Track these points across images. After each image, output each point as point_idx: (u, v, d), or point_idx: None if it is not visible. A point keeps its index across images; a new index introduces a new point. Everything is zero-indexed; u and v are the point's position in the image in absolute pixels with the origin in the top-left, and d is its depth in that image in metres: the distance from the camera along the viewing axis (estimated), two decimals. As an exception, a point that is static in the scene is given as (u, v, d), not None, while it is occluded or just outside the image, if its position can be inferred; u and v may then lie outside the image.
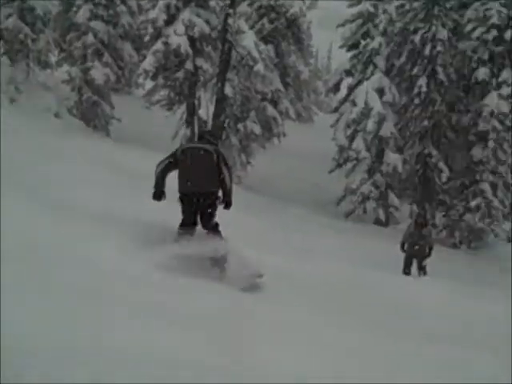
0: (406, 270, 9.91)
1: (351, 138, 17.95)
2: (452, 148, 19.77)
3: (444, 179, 18.78)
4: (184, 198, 5.15)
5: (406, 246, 10.08)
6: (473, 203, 18.64)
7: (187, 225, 5.18)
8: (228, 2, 16.21)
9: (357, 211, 17.50)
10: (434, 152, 19.13)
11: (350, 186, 17.44)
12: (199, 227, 5.22)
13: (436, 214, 18.46)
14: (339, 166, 18.37)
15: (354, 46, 19.39)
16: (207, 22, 16.19)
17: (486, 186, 18.76)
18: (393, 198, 18.01)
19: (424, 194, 18.78)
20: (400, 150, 18.80)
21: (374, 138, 17.94)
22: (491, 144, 18.82)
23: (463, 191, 19.21)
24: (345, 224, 15.94)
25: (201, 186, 5.12)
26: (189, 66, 16.19)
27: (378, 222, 17.60)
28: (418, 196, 18.84)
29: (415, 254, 10.05)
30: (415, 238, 9.99)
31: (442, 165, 18.92)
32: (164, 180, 5.30)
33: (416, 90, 18.59)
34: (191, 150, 5.36)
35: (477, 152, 19.04)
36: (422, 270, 10.06)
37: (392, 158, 17.66)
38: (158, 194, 5.27)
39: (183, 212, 5.21)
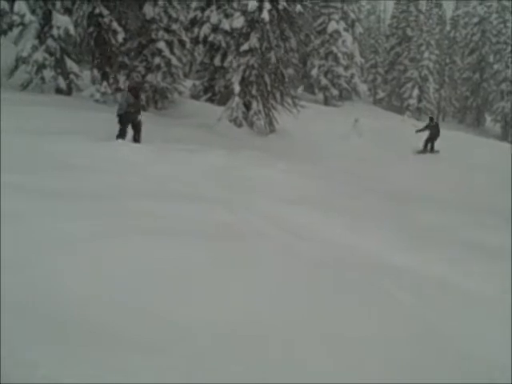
0: (123, 135, 11.38)
1: (11, 0, 17.61)
2: (123, 7, 21.29)
3: (120, 40, 20.14)
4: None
5: (124, 116, 11.30)
6: (153, 63, 21.32)
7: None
8: None
9: (34, 81, 17.80)
10: (106, 12, 20.43)
11: (20, 54, 17.32)
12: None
13: (119, 78, 20.34)
14: (3, 32, 17.91)
15: None
16: None
17: (162, 45, 21.45)
18: (71, 65, 18.93)
19: (102, 57, 20.25)
20: (69, 12, 19.29)
21: (37, 0, 18.09)
22: (161, 2, 21.37)
23: (142, 51, 21.54)
24: (23, 96, 16.28)
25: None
26: None
27: (59, 91, 18.33)
28: (96, 60, 20.30)
29: (137, 122, 11.60)
30: (133, 107, 11.42)
31: (115, 25, 20.31)
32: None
33: None
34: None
35: (148, 10, 21.29)
36: (137, 140, 11.67)
37: (62, 20, 18.12)
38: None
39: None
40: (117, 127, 11.48)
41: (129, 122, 11.58)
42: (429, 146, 19.56)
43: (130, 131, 11.74)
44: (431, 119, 20.48)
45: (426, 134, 19.85)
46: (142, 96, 21.06)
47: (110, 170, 7.59)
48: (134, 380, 2.33)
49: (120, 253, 3.65)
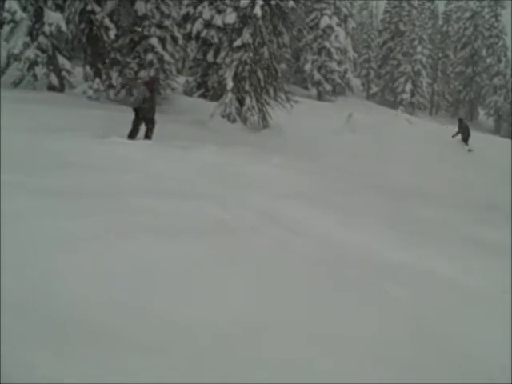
0: (134, 134, 11.39)
1: None
2: (115, 3, 21.21)
3: (112, 37, 20.17)
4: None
5: (139, 111, 11.27)
6: (145, 59, 21.25)
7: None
8: None
9: (26, 78, 17.80)
10: (98, 9, 20.37)
11: (12, 51, 17.27)
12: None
13: (112, 74, 20.28)
14: None
15: None
16: None
17: (154, 41, 21.40)
18: (63, 61, 18.90)
19: (94, 54, 20.22)
20: (61, 9, 19.28)
21: (28, -3, 18.07)
22: (153, -2, 21.29)
23: (134, 48, 21.47)
24: (16, 94, 16.20)
25: None
26: None
27: (52, 88, 18.32)
28: (89, 57, 20.24)
29: (150, 118, 11.51)
30: (148, 103, 11.33)
31: (107, 22, 20.32)
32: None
33: None
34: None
35: (140, 6, 21.21)
36: (149, 136, 11.63)
37: (53, 17, 18.13)
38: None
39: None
40: (128, 125, 11.37)
41: (142, 119, 11.46)
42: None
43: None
44: (460, 121, 22.16)
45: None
46: (134, 91, 21.09)
47: (108, 167, 7.57)
48: (134, 380, 2.33)
49: (120, 251, 3.65)
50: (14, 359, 2.30)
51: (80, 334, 2.60)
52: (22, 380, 2.21)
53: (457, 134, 21.45)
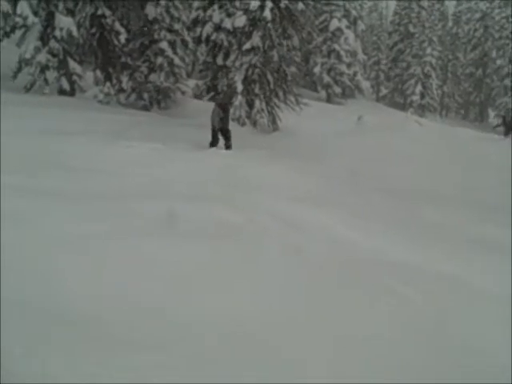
0: (215, 142, 13.26)
1: (14, 2, 17.67)
2: (125, 8, 21.41)
3: (123, 41, 20.28)
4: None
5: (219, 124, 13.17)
6: (156, 63, 21.34)
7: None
8: None
9: (38, 83, 17.90)
10: (108, 13, 20.50)
11: (23, 56, 17.40)
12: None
13: (122, 78, 20.37)
14: (6, 35, 17.99)
15: None
16: None
17: (164, 45, 21.48)
18: (74, 66, 18.98)
19: (105, 58, 20.32)
20: (71, 13, 19.41)
21: (40, 1, 18.18)
22: (163, 2, 21.37)
23: (144, 52, 21.56)
24: (27, 98, 16.31)
25: None
26: None
27: (62, 92, 18.41)
28: (99, 61, 20.34)
29: (226, 131, 13.42)
30: (223, 121, 13.20)
31: (118, 26, 20.44)
32: None
33: None
34: None
35: (150, 10, 21.31)
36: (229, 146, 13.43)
37: (64, 21, 18.21)
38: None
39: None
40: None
41: (218, 131, 13.35)
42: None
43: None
44: (504, 117, 27.01)
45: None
46: (145, 96, 21.22)
47: (118, 170, 7.60)
48: (135, 379, 2.33)
49: (121, 252, 3.65)
50: (13, 358, 2.31)
51: (80, 333, 2.60)
52: (21, 379, 2.22)
53: (506, 132, 24.04)
